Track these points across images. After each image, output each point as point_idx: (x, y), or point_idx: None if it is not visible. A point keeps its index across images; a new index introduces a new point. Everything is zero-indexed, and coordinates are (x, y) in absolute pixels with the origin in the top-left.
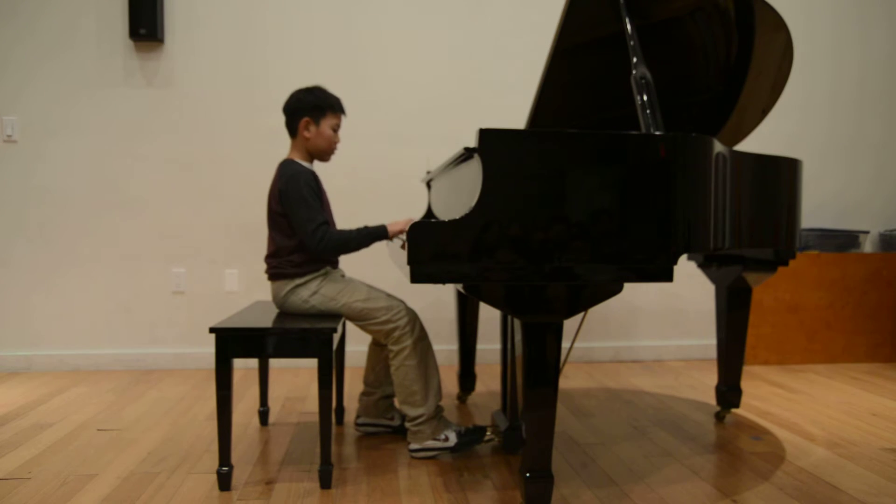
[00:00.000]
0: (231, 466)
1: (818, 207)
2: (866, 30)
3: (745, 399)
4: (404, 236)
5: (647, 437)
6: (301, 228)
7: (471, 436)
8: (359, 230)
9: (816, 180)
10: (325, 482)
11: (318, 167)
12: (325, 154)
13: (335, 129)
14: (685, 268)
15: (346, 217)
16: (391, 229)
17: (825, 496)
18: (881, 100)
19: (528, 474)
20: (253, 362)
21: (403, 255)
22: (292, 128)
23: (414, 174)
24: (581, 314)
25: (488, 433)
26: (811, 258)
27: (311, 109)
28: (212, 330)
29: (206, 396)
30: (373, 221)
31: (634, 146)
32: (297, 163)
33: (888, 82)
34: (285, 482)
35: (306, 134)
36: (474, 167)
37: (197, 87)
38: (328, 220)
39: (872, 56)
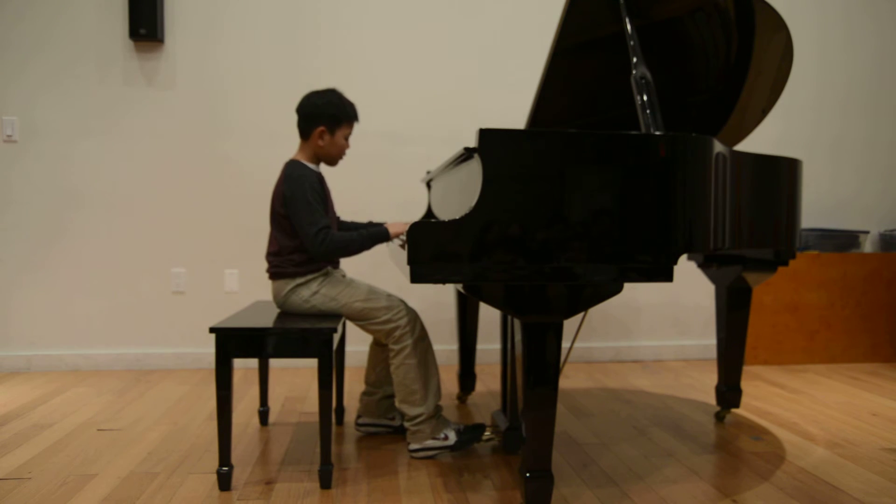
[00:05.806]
0: (231, 466)
1: (818, 207)
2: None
3: (745, 399)
4: (404, 236)
5: (647, 437)
6: (303, 232)
7: (470, 433)
8: (360, 233)
9: (816, 180)
10: (325, 482)
11: (320, 167)
12: (334, 160)
13: (347, 138)
14: (685, 268)
15: (346, 217)
16: (392, 230)
17: (825, 496)
18: (885, 99)
19: (528, 474)
20: (253, 362)
21: (403, 255)
22: (305, 131)
23: (414, 174)
24: (581, 314)
25: (487, 432)
26: (811, 258)
27: (328, 119)
28: (212, 330)
29: (206, 396)
30: (373, 221)
31: (634, 146)
32: (302, 164)
33: (887, 82)
34: (285, 482)
35: (320, 142)
36: (474, 167)
37: (197, 87)
38: (331, 223)
39: (879, 51)
